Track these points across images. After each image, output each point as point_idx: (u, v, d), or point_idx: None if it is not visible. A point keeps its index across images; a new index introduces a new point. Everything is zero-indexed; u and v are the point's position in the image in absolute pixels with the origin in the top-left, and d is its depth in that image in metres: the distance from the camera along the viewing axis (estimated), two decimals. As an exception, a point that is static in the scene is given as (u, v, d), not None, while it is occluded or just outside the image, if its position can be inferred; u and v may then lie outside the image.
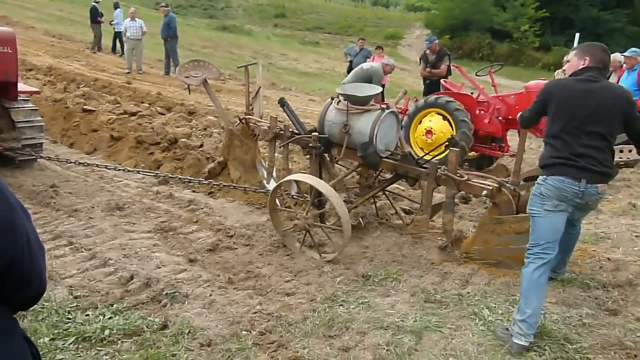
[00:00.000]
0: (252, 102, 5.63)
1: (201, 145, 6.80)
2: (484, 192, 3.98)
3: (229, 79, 15.26)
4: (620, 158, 3.90)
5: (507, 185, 3.95)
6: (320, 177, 4.70)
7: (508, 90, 9.81)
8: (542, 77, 8.55)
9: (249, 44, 26.78)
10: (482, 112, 7.24)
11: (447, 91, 7.80)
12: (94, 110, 8.13)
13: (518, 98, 7.17)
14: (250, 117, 5.46)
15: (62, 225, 4.58)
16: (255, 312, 3.35)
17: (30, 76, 10.48)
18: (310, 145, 4.74)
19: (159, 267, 3.93)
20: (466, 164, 7.64)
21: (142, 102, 9.41)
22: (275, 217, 4.51)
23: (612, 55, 9.17)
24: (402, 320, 3.21)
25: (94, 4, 16.18)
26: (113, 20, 16.18)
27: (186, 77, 5.54)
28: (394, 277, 3.85)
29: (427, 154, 4.87)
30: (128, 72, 13.56)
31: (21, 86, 6.24)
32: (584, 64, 3.14)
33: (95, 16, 16.13)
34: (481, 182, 4.12)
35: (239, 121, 5.59)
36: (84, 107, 8.20)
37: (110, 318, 3.20)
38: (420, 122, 7.45)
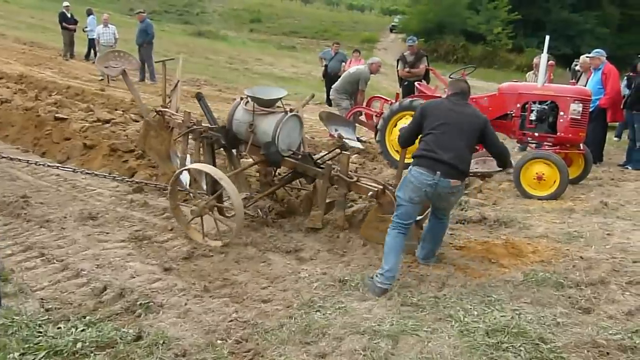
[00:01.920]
0: (170, 95, 5.85)
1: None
2: (370, 193, 4.44)
3: (205, 85, 15.17)
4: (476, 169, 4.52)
5: (390, 188, 4.40)
6: (214, 166, 5.00)
7: (482, 92, 9.93)
8: (515, 79, 8.69)
9: (225, 50, 26.69)
10: (456, 114, 7.30)
11: (421, 94, 7.85)
12: (67, 119, 7.98)
13: (491, 100, 7.26)
14: (166, 110, 5.66)
15: (34, 236, 4.49)
16: (231, 320, 3.31)
17: (0, 84, 10.26)
18: (203, 135, 5.13)
19: (133, 277, 3.87)
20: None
21: (116, 109, 9.29)
22: (178, 211, 4.73)
23: (581, 57, 9.39)
24: (378, 325, 3.21)
25: (62, 9, 15.95)
26: (86, 27, 15.98)
27: (105, 67, 5.80)
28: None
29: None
30: (101, 79, 13.39)
31: None
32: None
33: (62, 21, 15.90)
34: (368, 184, 4.57)
35: (155, 113, 5.75)
36: (56, 115, 8.05)
37: (82, 330, 3.13)
38: (396, 125, 7.49)
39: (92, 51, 16.21)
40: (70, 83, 11.82)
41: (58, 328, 3.16)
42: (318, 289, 3.76)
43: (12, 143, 7.62)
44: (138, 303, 3.45)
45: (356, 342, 3.03)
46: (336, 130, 8.49)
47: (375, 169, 7.19)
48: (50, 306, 3.41)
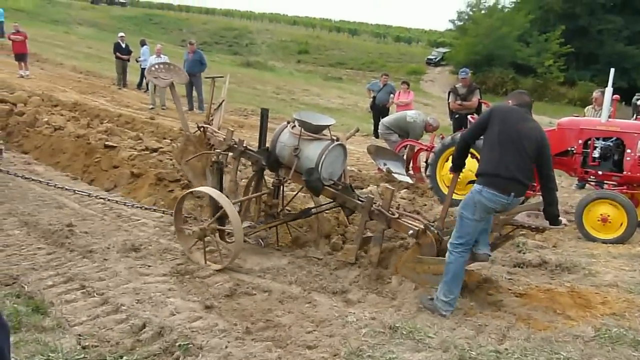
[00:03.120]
0: (213, 113, 5.84)
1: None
2: (410, 232, 4.29)
3: (252, 114, 15.26)
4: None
5: (432, 228, 4.25)
6: (220, 191, 5.00)
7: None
8: (575, 114, 8.30)
9: (272, 80, 27.04)
10: (512, 150, 6.97)
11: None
12: (116, 147, 8.07)
13: (550, 135, 6.83)
14: (208, 126, 5.60)
15: (76, 267, 4.40)
16: (274, 368, 3.09)
17: (55, 112, 10.54)
18: (213, 160, 5.21)
19: (173, 314, 3.71)
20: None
21: (164, 138, 9.37)
22: (181, 233, 4.79)
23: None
24: (434, 382, 2.92)
25: (117, 39, 16.51)
26: (140, 57, 16.45)
27: (155, 77, 5.83)
28: (424, 329, 3.56)
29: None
30: (152, 108, 13.66)
31: None
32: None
33: (116, 51, 16.44)
34: (409, 222, 4.41)
35: (197, 128, 5.68)
36: (106, 143, 8.16)
37: (118, 372, 2.98)
38: (447, 159, 7.20)
39: (144, 80, 16.63)
40: (122, 111, 12.07)
41: (94, 368, 3.01)
42: (367, 335, 3.49)
43: (63, 170, 7.72)
44: (177, 344, 3.28)
45: (410, 402, 2.75)
46: (385, 164, 8.34)
47: (425, 205, 6.89)
48: (87, 343, 3.27)
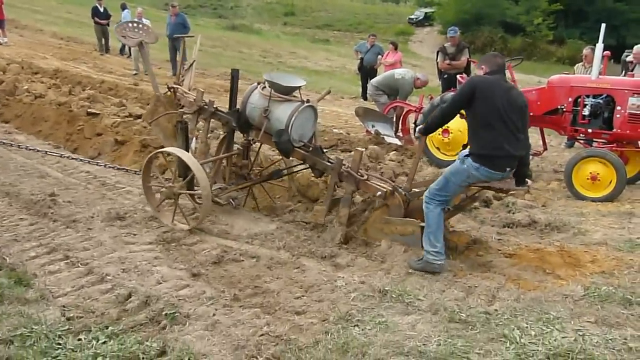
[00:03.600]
0: (184, 74, 5.78)
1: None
2: (378, 193, 4.30)
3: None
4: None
5: (400, 190, 4.30)
6: (187, 151, 4.97)
7: (522, 85, 9.43)
8: (564, 72, 8.19)
9: (258, 43, 26.54)
10: (501, 109, 6.88)
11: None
12: (99, 114, 7.89)
13: (540, 94, 6.81)
14: (179, 87, 5.51)
15: (59, 237, 4.31)
16: (262, 335, 3.05)
17: (35, 79, 10.26)
18: (178, 120, 5.17)
19: (160, 283, 3.64)
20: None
21: (148, 104, 9.15)
22: (149, 192, 4.81)
23: (635, 47, 8.80)
24: (424, 345, 2.89)
25: (95, 4, 16.01)
26: (120, 21, 15.99)
27: (123, 36, 5.67)
28: (414, 292, 3.53)
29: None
30: (135, 74, 13.36)
31: None
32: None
33: (94, 16, 15.96)
34: (378, 183, 4.41)
35: (167, 89, 5.58)
36: (88, 110, 7.96)
37: (104, 343, 2.92)
38: (436, 120, 7.11)
39: (126, 46, 16.21)
40: (105, 78, 11.79)
41: (78, 340, 2.95)
42: (356, 300, 3.46)
43: (45, 139, 7.55)
44: (164, 313, 3.22)
45: (400, 365, 2.73)
46: (373, 126, 8.24)
47: (414, 167, 6.83)
48: (71, 315, 3.21)
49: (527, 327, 3.08)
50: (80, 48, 16.91)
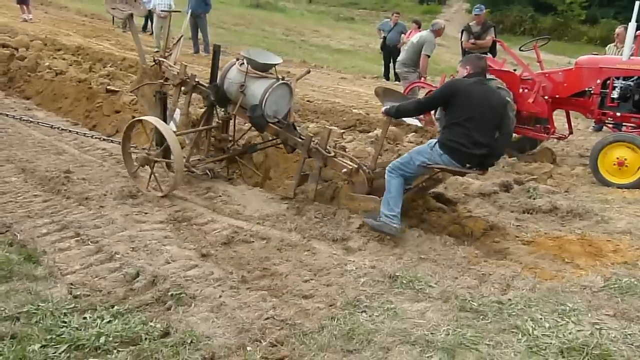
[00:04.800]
0: (172, 48, 5.97)
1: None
2: (344, 170, 4.48)
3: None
4: None
5: (365, 168, 4.45)
6: (164, 120, 5.22)
7: (552, 66, 9.13)
8: (594, 52, 7.88)
9: (282, 21, 26.30)
10: (526, 90, 6.67)
11: (489, 68, 7.21)
12: (118, 91, 7.87)
13: (566, 75, 6.56)
14: (164, 60, 5.67)
15: (71, 214, 4.31)
16: (268, 318, 2.99)
17: (57, 56, 10.31)
18: (157, 91, 5.46)
19: (168, 262, 3.61)
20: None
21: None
22: (127, 158, 5.02)
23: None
24: (432, 334, 2.80)
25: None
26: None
27: (112, 8, 5.77)
28: (425, 278, 3.43)
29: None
30: (157, 51, 13.30)
31: None
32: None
33: None
34: (344, 161, 4.58)
35: (153, 62, 5.76)
36: (107, 87, 7.96)
37: (108, 322, 2.90)
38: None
39: (149, 23, 16.20)
40: (126, 55, 11.79)
41: (84, 318, 2.94)
42: (365, 285, 3.38)
43: (64, 115, 7.59)
44: (170, 294, 3.19)
45: (406, 355, 2.64)
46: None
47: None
48: (78, 293, 3.20)
49: (541, 318, 2.96)
50: (103, 25, 16.96)
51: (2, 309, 2.94)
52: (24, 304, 3.01)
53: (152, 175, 4.90)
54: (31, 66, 9.01)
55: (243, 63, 4.95)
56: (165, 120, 5.32)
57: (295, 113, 8.37)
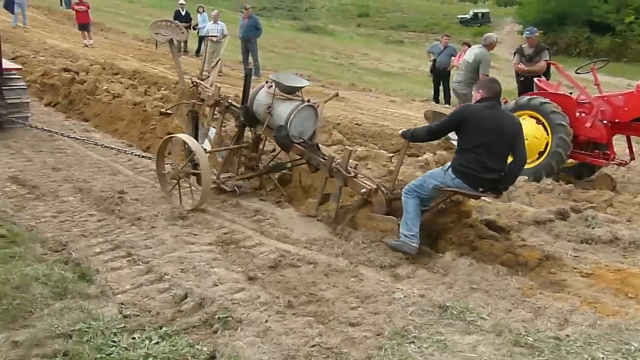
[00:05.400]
0: (210, 71, 6.40)
1: (273, 150, 6.51)
2: (363, 190, 4.56)
3: (308, 80, 14.99)
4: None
5: (383, 189, 4.51)
6: (196, 139, 5.49)
7: (610, 88, 8.81)
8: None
9: (331, 44, 26.59)
10: (584, 114, 6.44)
11: (542, 91, 7.03)
12: (171, 114, 8.08)
13: (627, 98, 6.31)
14: (201, 82, 5.98)
15: (124, 234, 4.42)
16: (314, 346, 2.95)
17: (115, 80, 10.73)
18: (189, 110, 5.82)
19: (216, 285, 3.63)
20: (563, 172, 6.83)
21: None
22: (162, 175, 5.32)
23: None
24: (484, 369, 2.69)
25: (177, 7, 16.57)
26: (197, 24, 16.48)
27: (156, 33, 6.10)
28: (477, 310, 3.31)
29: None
30: (208, 76, 13.66)
31: (5, 63, 7.34)
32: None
33: (175, 19, 16.49)
34: (364, 181, 4.66)
35: (191, 84, 6.04)
36: (161, 110, 8.19)
37: (156, 343, 2.92)
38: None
39: (202, 46, 16.68)
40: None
41: (132, 338, 2.97)
42: (414, 314, 3.29)
43: (120, 137, 7.84)
44: (217, 316, 3.19)
45: (456, 390, 2.54)
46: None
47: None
48: (128, 312, 3.24)
49: (603, 357, 2.79)
50: (159, 49, 17.55)
51: (56, 326, 3.01)
52: (77, 322, 3.07)
53: (181, 188, 5.18)
54: (90, 89, 9.41)
55: (271, 86, 5.18)
56: (196, 137, 5.58)
57: (344, 136, 8.39)
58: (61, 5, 25.36)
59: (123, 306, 3.31)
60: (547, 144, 6.49)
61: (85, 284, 3.54)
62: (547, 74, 8.80)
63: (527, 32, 8.96)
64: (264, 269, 3.91)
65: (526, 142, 6.49)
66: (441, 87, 13.13)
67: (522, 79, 8.89)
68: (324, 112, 10.09)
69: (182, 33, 6.27)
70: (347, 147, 5.28)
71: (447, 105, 12.74)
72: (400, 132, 4.58)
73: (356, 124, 9.46)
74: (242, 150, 5.66)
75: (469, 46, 12.23)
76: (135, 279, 3.69)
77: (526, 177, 6.27)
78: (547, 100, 6.51)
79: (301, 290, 3.61)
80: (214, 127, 5.90)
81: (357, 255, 4.14)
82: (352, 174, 4.73)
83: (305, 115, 5.11)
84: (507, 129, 4.03)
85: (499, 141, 3.99)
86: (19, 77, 7.51)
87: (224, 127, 6.48)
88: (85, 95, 9.16)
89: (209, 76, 6.25)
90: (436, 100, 13.30)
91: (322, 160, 4.96)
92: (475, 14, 41.54)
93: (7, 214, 4.60)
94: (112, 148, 6.69)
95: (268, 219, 4.91)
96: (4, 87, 7.14)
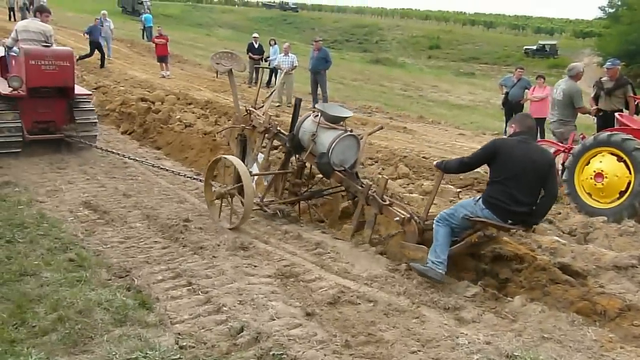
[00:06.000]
0: (265, 101, 6.69)
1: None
2: (396, 219, 4.66)
3: (376, 112, 15.01)
4: None
5: (416, 218, 4.60)
6: (243, 161, 5.77)
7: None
8: None
9: (401, 76, 26.57)
10: (670, 153, 5.98)
11: (624, 127, 6.61)
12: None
13: None
14: (254, 110, 6.25)
15: (186, 263, 4.46)
16: (370, 390, 2.81)
17: (188, 109, 11.12)
18: (239, 133, 6.15)
19: (273, 319, 3.57)
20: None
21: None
22: (208, 189, 5.61)
23: None
24: None
25: (251, 40, 17.12)
26: (269, 56, 16.92)
27: (217, 63, 6.38)
28: (549, 362, 3.06)
29: None
30: (278, 105, 13.94)
31: (77, 89, 7.92)
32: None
33: (249, 51, 17.04)
34: (398, 210, 4.73)
35: (245, 111, 6.36)
36: (216, 132, 8.42)
37: (209, 378, 2.88)
38: (588, 162, 6.38)
39: (273, 78, 17.08)
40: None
41: (187, 370, 2.95)
42: (479, 363, 3.08)
43: (190, 165, 8.05)
44: (271, 353, 3.13)
45: None
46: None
47: (559, 213, 6.15)
48: (184, 343, 3.24)
49: None
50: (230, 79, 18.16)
51: (114, 353, 3.05)
52: (134, 350, 3.09)
53: (223, 207, 5.50)
54: (164, 118, 9.79)
55: (317, 115, 5.44)
56: (243, 160, 5.89)
57: (410, 169, 8.22)
58: (143, 38, 26.87)
59: (180, 336, 3.31)
60: (629, 183, 6.07)
61: (145, 311, 3.58)
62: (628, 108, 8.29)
63: (609, 64, 8.42)
64: (322, 305, 3.81)
65: (606, 180, 6.22)
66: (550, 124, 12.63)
67: (601, 113, 8.38)
68: (392, 145, 10.01)
69: (242, 64, 6.59)
70: (382, 176, 5.43)
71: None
72: (434, 163, 4.69)
73: (423, 157, 9.27)
74: (287, 175, 5.91)
75: (544, 79, 11.84)
76: (193, 308, 3.70)
77: (605, 218, 5.87)
78: (630, 136, 6.11)
79: (359, 329, 3.49)
80: (262, 153, 6.21)
81: (420, 295, 3.98)
82: (387, 202, 4.85)
83: (347, 144, 5.30)
84: (538, 163, 4.05)
85: (530, 175, 4.02)
86: (88, 101, 8.14)
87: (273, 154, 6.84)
88: (159, 124, 9.53)
89: (262, 105, 6.51)
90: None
91: (360, 187, 5.10)
92: (542, 46, 40.65)
93: (77, 238, 4.78)
94: (180, 174, 6.92)
95: (329, 253, 4.82)
96: (75, 110, 7.74)
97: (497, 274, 4.34)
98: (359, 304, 3.86)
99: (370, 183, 5.22)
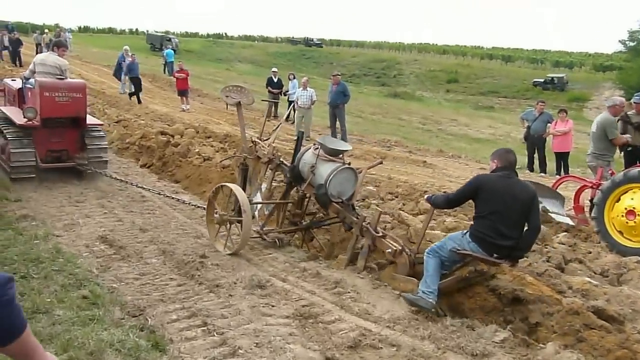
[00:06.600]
0: (271, 133, 6.77)
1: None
2: (388, 250, 4.80)
3: (395, 145, 14.89)
4: None
5: (408, 251, 4.77)
6: (244, 190, 5.94)
7: None
8: None
9: (419, 110, 26.56)
10: None
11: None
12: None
13: None
14: (259, 141, 6.43)
15: (201, 301, 4.31)
16: None
17: (206, 143, 11.12)
18: (240, 162, 6.35)
19: (291, 364, 3.39)
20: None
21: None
22: (211, 225, 5.81)
23: None
24: None
25: (270, 74, 17.28)
26: (287, 91, 17.04)
27: (226, 95, 6.54)
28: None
29: None
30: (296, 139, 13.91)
31: (89, 119, 8.30)
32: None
33: (268, 85, 17.19)
34: (391, 242, 4.87)
35: (251, 142, 6.48)
36: (221, 160, 8.38)
37: None
38: (619, 199, 6.15)
39: (291, 112, 17.15)
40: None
41: (199, 420, 2.78)
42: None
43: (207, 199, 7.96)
44: (289, 403, 2.94)
45: None
46: (540, 202, 7.37)
47: (590, 252, 5.89)
48: (198, 389, 3.07)
49: None
50: (250, 114, 18.25)
51: (125, 400, 2.89)
52: (145, 397, 2.93)
53: (223, 232, 5.69)
54: (183, 152, 9.76)
55: (317, 147, 5.60)
56: (244, 188, 6.05)
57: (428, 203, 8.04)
58: (164, 72, 27.35)
59: (194, 382, 3.15)
60: (662, 221, 5.82)
61: (158, 353, 3.44)
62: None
63: (637, 98, 8.13)
64: (342, 349, 3.63)
65: (638, 218, 5.97)
66: (536, 155, 12.48)
67: (629, 149, 8.13)
68: (412, 180, 9.86)
69: (250, 97, 6.70)
70: (377, 208, 5.69)
71: (543, 174, 12.06)
72: (425, 197, 4.88)
73: (444, 192, 9.10)
74: (287, 205, 6.10)
75: (566, 113, 11.68)
76: (208, 350, 3.55)
77: (639, 258, 5.60)
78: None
79: (380, 377, 3.29)
80: (265, 183, 6.36)
81: (445, 340, 3.77)
82: (381, 234, 4.99)
83: (345, 176, 5.47)
84: (520, 197, 4.16)
85: (513, 209, 4.13)
86: (99, 129, 8.41)
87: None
88: (178, 157, 9.50)
89: (269, 137, 6.64)
90: (530, 168, 12.65)
91: (355, 219, 5.23)
92: (551, 78, 40.77)
93: (92, 274, 4.68)
94: (196, 206, 6.92)
95: (349, 292, 4.63)
96: (86, 137, 8.00)
97: (526, 318, 4.12)
98: (381, 348, 3.68)
99: (365, 215, 5.32)
